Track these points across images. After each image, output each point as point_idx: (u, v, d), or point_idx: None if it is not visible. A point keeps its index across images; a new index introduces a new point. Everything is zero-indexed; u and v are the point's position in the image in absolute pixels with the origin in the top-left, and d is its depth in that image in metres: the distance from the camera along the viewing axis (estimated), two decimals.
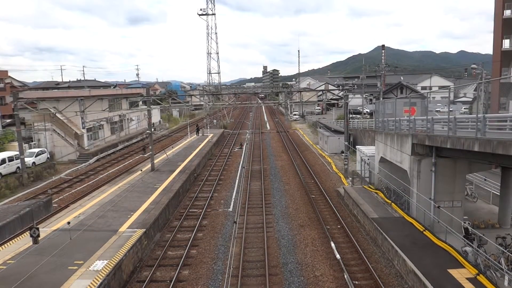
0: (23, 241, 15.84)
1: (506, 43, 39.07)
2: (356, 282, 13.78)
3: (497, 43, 39.04)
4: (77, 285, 12.09)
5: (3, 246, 15.58)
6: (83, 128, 41.42)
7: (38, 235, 14.07)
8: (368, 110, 66.52)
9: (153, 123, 51.31)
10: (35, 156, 33.70)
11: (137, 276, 14.73)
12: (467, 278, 12.07)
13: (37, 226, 14.42)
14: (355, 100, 75.34)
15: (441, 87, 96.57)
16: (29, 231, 14.21)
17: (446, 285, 11.77)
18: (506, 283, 11.69)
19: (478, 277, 12.03)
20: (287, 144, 48.00)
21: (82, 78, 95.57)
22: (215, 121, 70.22)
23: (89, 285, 12.04)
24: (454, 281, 11.99)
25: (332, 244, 16.68)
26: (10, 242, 16.12)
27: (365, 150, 27.63)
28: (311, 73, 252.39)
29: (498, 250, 13.39)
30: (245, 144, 46.66)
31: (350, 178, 27.01)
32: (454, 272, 12.48)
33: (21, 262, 13.79)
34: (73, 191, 27.38)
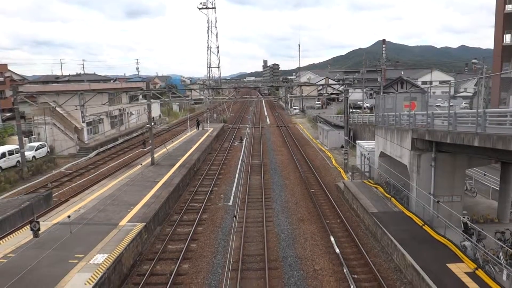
0: (24, 235, 15.88)
1: (507, 38, 38.96)
2: (355, 276, 13.85)
3: (498, 38, 38.92)
4: (78, 279, 12.14)
5: (3, 240, 15.62)
6: (83, 122, 41.39)
7: (39, 229, 14.13)
8: (368, 105, 66.43)
9: (153, 117, 51.25)
10: (35, 150, 33.70)
11: (137, 270, 14.80)
12: (465, 273, 12.12)
13: (38, 220, 14.47)
14: (355, 95, 75.16)
15: (441, 82, 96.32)
16: (29, 225, 14.28)
17: (445, 279, 11.82)
18: (504, 277, 11.74)
19: (476, 271, 12.09)
20: (287, 138, 47.99)
21: (82, 72, 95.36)
22: (215, 115, 70.13)
23: (89, 279, 12.09)
24: (453, 275, 12.05)
25: (332, 239, 16.74)
26: (11, 235, 16.16)
27: (365, 144, 27.63)
28: (312, 68, 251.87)
29: (497, 244, 13.43)
30: (245, 138, 46.67)
31: (350, 173, 27.01)
32: (453, 267, 12.54)
33: (21, 256, 13.83)
34: (73, 185, 27.41)
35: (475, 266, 12.35)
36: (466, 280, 11.70)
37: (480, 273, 11.97)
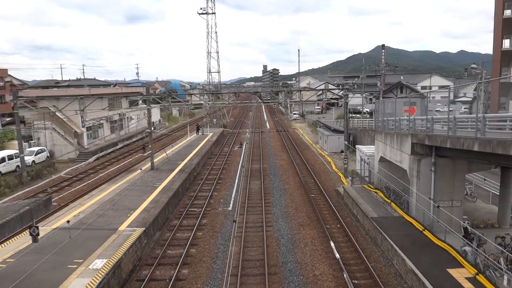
0: (23, 240, 15.84)
1: (506, 43, 39.14)
2: (356, 282, 13.79)
3: (497, 43, 39.08)
4: (77, 284, 12.10)
5: (2, 245, 15.58)
6: (83, 126, 41.37)
7: (38, 234, 14.07)
8: (368, 110, 66.50)
9: (153, 122, 51.30)
10: (35, 155, 33.67)
11: (136, 275, 14.74)
12: (466, 278, 12.08)
13: (37, 225, 14.40)
14: (355, 100, 75.33)
15: (441, 87, 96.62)
16: (28, 230, 14.22)
17: (445, 284, 11.78)
18: (505, 282, 11.70)
19: (477, 276, 12.04)
20: (286, 143, 48.00)
21: (82, 77, 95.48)
22: (215, 120, 70.18)
23: (88, 284, 12.05)
24: (453, 280, 12.01)
25: (332, 244, 16.68)
26: (10, 240, 16.10)
27: (364, 149, 27.63)
28: (311, 73, 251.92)
29: (497, 249, 13.39)
30: (244, 143, 46.66)
31: (350, 178, 27.00)
32: (453, 272, 12.50)
33: (20, 261, 13.80)
34: (72, 189, 27.37)
35: (476, 271, 12.30)
36: (467, 285, 11.66)
37: (480, 278, 11.92)
